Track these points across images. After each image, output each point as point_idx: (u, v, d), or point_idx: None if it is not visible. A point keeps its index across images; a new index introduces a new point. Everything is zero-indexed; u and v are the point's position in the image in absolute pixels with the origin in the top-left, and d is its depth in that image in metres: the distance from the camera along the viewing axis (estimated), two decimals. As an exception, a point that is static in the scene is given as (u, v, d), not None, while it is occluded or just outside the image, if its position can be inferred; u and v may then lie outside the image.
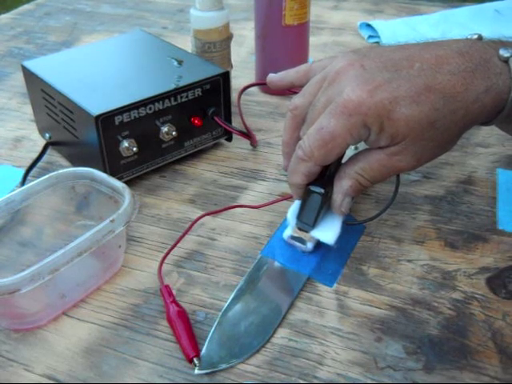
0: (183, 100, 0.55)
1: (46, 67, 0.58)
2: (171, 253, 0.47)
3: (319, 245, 0.46)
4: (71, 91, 0.53)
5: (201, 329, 0.41)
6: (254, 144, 0.62)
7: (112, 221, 0.41)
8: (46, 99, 0.57)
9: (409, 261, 0.46)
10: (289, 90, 0.53)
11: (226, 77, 0.57)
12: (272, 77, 0.51)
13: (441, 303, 0.42)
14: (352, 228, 0.49)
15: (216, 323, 0.41)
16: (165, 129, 0.54)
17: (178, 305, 0.41)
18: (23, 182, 0.55)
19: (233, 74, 0.69)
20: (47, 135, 0.61)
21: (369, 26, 0.92)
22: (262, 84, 0.72)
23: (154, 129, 0.54)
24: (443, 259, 0.46)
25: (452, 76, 0.39)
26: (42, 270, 0.38)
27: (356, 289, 0.44)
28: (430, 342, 0.39)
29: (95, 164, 0.51)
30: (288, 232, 0.47)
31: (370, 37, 0.90)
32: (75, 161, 0.59)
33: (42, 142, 0.61)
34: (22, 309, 0.41)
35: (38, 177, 0.47)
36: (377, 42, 0.89)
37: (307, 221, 0.44)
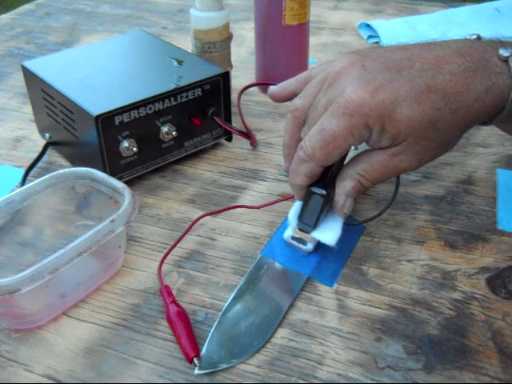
0: (183, 100, 0.55)
1: (46, 67, 0.58)
2: (171, 253, 0.47)
3: (319, 245, 0.46)
4: (71, 91, 0.53)
5: (201, 329, 0.41)
6: (253, 144, 0.62)
7: (112, 221, 0.41)
8: (46, 99, 0.57)
9: (409, 261, 0.46)
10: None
11: (226, 77, 0.57)
12: (273, 89, 0.50)
13: (441, 303, 0.42)
14: (352, 228, 0.49)
15: (216, 323, 0.41)
16: (165, 129, 0.54)
17: (177, 305, 0.41)
18: (23, 182, 0.55)
19: (233, 74, 0.69)
20: (47, 135, 0.61)
21: (368, 26, 0.92)
22: (262, 84, 0.72)
23: (153, 129, 0.54)
24: (443, 259, 0.46)
25: (453, 76, 0.40)
26: (42, 269, 0.38)
27: (356, 289, 0.44)
28: (430, 342, 0.39)
29: (95, 164, 0.51)
30: (289, 232, 0.47)
31: (369, 37, 0.90)
32: (75, 161, 0.59)
33: (42, 142, 0.61)
34: (22, 309, 0.41)
35: (38, 177, 0.47)
36: (376, 42, 0.89)
37: (308, 222, 0.44)
